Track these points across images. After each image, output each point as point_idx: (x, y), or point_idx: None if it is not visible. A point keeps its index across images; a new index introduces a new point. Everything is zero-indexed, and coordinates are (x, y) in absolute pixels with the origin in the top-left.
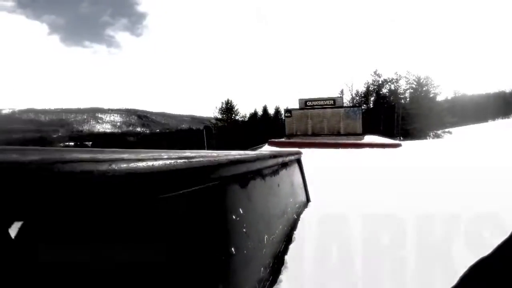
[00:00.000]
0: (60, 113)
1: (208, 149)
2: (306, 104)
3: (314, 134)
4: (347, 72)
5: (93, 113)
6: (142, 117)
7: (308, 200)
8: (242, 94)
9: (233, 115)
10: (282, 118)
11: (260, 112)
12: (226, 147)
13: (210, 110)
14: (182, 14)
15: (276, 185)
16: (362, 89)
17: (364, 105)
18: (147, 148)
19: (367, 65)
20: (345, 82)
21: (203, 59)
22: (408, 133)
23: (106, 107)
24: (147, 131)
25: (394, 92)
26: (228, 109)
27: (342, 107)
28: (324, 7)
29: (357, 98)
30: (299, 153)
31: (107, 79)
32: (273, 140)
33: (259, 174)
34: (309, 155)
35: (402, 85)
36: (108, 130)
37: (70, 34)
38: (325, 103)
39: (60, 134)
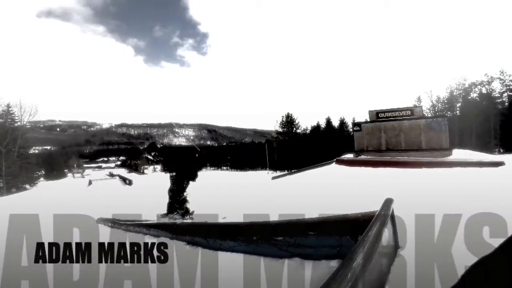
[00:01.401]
0: (146, 128)
1: (269, 162)
2: (378, 116)
3: (389, 150)
4: (420, 78)
5: (171, 128)
6: (211, 131)
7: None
8: (303, 107)
9: (294, 128)
10: (348, 131)
11: (323, 124)
12: (288, 161)
13: (271, 123)
14: (241, 30)
15: None
16: (443, 94)
17: (449, 113)
18: (215, 159)
19: (445, 68)
20: (422, 89)
21: (263, 73)
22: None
23: (181, 122)
24: (215, 144)
25: (487, 97)
26: (288, 122)
27: (422, 117)
28: (394, 7)
29: (439, 105)
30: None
31: (181, 96)
32: (341, 158)
33: None
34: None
35: (497, 87)
36: (183, 143)
37: (150, 56)
38: (401, 113)
39: (145, 146)
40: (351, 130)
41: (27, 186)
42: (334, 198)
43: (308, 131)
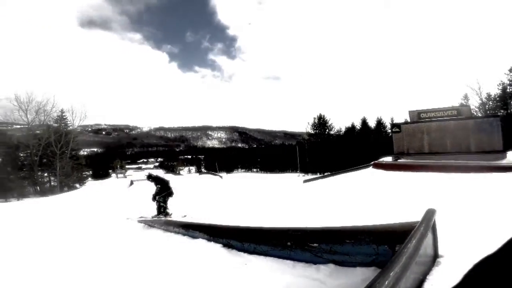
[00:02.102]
0: (181, 131)
1: (300, 165)
2: (419, 116)
3: (433, 153)
4: (466, 75)
5: (205, 130)
6: (242, 133)
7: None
8: (336, 107)
9: (327, 130)
10: (385, 132)
11: (358, 125)
12: (320, 164)
13: (301, 125)
14: (269, 31)
15: None
16: (494, 91)
17: (502, 111)
18: (245, 161)
19: (495, 63)
20: (468, 85)
21: (293, 74)
22: None
23: (214, 125)
24: (246, 146)
25: None
26: (321, 124)
27: (471, 117)
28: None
29: (490, 103)
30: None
31: (213, 99)
32: (379, 162)
33: None
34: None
35: None
36: (216, 145)
37: (183, 61)
38: (446, 113)
39: (181, 148)
40: (389, 131)
41: (77, 185)
42: (371, 205)
43: (342, 133)
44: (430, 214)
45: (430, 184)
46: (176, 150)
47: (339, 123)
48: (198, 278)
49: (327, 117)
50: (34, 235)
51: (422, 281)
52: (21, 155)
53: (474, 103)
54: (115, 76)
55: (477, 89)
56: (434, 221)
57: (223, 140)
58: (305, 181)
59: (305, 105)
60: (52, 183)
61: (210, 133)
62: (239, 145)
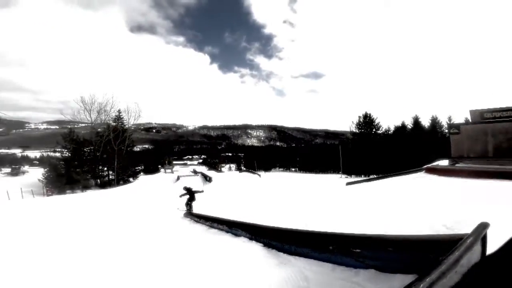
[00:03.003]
0: (223, 129)
1: (343, 166)
2: (482, 116)
3: (499, 157)
4: None
5: (245, 129)
6: (280, 132)
7: None
8: (383, 106)
9: (374, 129)
10: (442, 132)
11: (409, 124)
12: (365, 166)
13: (345, 124)
14: (306, 29)
15: None
16: None
17: None
18: (283, 160)
19: None
20: None
21: (335, 71)
22: None
23: (253, 123)
24: (284, 145)
25: None
26: (366, 123)
27: None
28: None
29: None
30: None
31: (252, 98)
32: (433, 166)
33: None
34: None
35: None
36: (255, 144)
37: (223, 62)
38: None
39: (222, 146)
40: (445, 131)
41: (131, 179)
42: (418, 213)
43: (390, 132)
44: (481, 227)
45: (493, 194)
46: (218, 148)
47: (387, 122)
48: (238, 273)
49: (374, 116)
50: (105, 219)
51: None
52: (86, 150)
53: None
54: (163, 77)
55: None
56: (485, 235)
57: (262, 138)
58: (348, 183)
59: (349, 103)
60: (110, 177)
61: (249, 131)
62: (278, 143)
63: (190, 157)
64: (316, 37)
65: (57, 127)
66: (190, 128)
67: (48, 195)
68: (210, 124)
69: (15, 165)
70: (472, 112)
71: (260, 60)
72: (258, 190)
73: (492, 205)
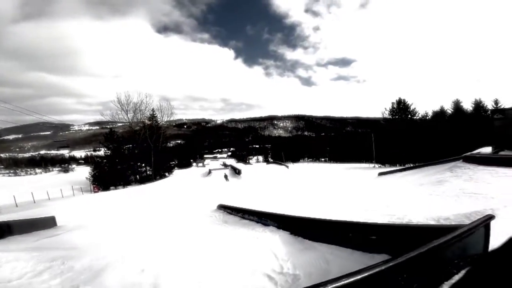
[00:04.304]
0: (250, 122)
1: (376, 155)
2: None
3: None
4: None
5: (271, 120)
6: (308, 121)
7: None
8: (419, 91)
9: (409, 115)
10: (487, 116)
11: (449, 109)
12: (399, 154)
13: (377, 111)
14: (330, 16)
15: None
16: None
17: None
18: (312, 150)
19: None
20: None
21: (366, 57)
22: None
23: (280, 114)
24: (313, 135)
25: None
26: (401, 109)
27: None
28: None
29: None
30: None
31: (278, 90)
32: (472, 155)
33: None
34: None
35: None
36: (282, 134)
37: (247, 54)
38: None
39: (250, 138)
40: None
41: (167, 174)
42: (446, 205)
43: (428, 118)
44: (483, 219)
45: None
46: (246, 140)
47: (424, 107)
48: (268, 257)
49: (409, 102)
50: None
51: (455, 273)
52: (125, 148)
53: None
54: (191, 75)
55: None
56: (488, 226)
57: (289, 128)
58: (380, 173)
59: (383, 89)
60: (148, 172)
61: (276, 122)
62: (305, 133)
63: (219, 150)
64: (343, 23)
65: (97, 127)
66: (219, 122)
67: (95, 192)
68: (237, 117)
69: (64, 164)
70: None
71: (283, 50)
72: (286, 182)
73: None
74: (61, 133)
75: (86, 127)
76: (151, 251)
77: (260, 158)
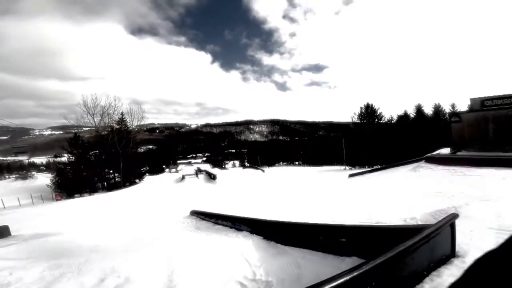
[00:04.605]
0: (226, 126)
1: (347, 158)
2: (483, 105)
3: (499, 145)
4: None
5: (247, 125)
6: (283, 126)
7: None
8: (386, 96)
9: (376, 119)
10: (446, 120)
11: (412, 113)
12: (368, 157)
13: (348, 115)
14: (306, 24)
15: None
16: None
17: None
18: (286, 154)
19: None
20: None
21: (337, 64)
22: None
23: (256, 119)
24: (288, 139)
25: None
26: (369, 113)
27: None
28: None
29: None
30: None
31: (255, 94)
32: (433, 155)
33: None
34: None
35: None
36: (258, 139)
37: (224, 59)
38: None
39: (226, 143)
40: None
41: (137, 180)
42: (413, 203)
43: (393, 122)
44: (448, 218)
45: (491, 182)
46: (222, 145)
47: (390, 112)
48: (240, 263)
49: (376, 106)
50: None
51: (425, 275)
52: (91, 154)
53: None
54: (164, 78)
55: None
56: (453, 224)
57: (265, 133)
58: (350, 175)
59: (353, 94)
60: (116, 179)
61: (252, 127)
62: (280, 137)
63: (194, 155)
64: (317, 30)
65: (61, 132)
66: (193, 126)
67: (57, 200)
68: (212, 121)
69: (23, 171)
70: (473, 100)
71: (261, 55)
72: (262, 185)
73: (489, 192)
74: (20, 138)
75: (49, 132)
76: (116, 259)
77: (237, 162)
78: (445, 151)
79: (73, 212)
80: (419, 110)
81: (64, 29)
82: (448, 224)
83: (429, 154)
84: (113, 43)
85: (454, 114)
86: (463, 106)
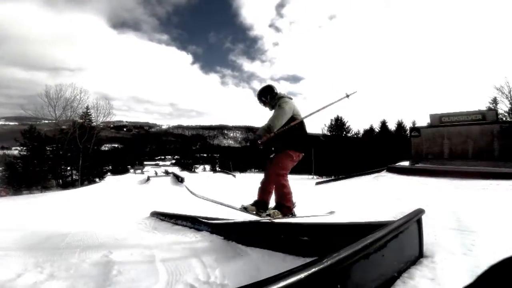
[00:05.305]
0: (199, 130)
1: (315, 168)
2: (441, 120)
3: (453, 158)
4: (496, 77)
5: (221, 130)
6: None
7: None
8: (355, 110)
9: (344, 132)
10: (407, 135)
11: (377, 128)
12: (336, 167)
13: (318, 126)
14: (289, 35)
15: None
16: None
17: None
18: (259, 161)
19: None
20: (497, 87)
21: (313, 75)
22: None
23: (230, 124)
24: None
25: None
26: (338, 126)
27: (496, 122)
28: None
29: None
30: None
31: (232, 99)
32: (394, 166)
33: None
34: None
35: None
36: (232, 145)
37: (205, 61)
38: (470, 118)
39: (198, 146)
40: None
41: (97, 179)
42: (374, 205)
43: (360, 135)
44: (414, 213)
45: (446, 190)
46: (193, 148)
47: (357, 125)
48: (196, 266)
49: (345, 119)
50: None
51: (396, 277)
52: (48, 149)
53: (503, 108)
54: (140, 75)
55: (506, 92)
56: (420, 220)
57: (239, 139)
58: (317, 183)
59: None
60: (74, 177)
61: (226, 132)
62: None
63: (163, 157)
64: (299, 41)
65: (16, 123)
66: (164, 127)
67: (1, 196)
68: (185, 123)
69: None
70: (432, 116)
71: (242, 61)
72: (232, 189)
73: (443, 198)
74: None
75: (2, 122)
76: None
77: (208, 167)
78: (405, 163)
79: (13, 210)
80: (383, 125)
81: (42, 15)
82: (415, 219)
83: (391, 165)
84: (90, 35)
85: (414, 129)
86: (423, 122)
